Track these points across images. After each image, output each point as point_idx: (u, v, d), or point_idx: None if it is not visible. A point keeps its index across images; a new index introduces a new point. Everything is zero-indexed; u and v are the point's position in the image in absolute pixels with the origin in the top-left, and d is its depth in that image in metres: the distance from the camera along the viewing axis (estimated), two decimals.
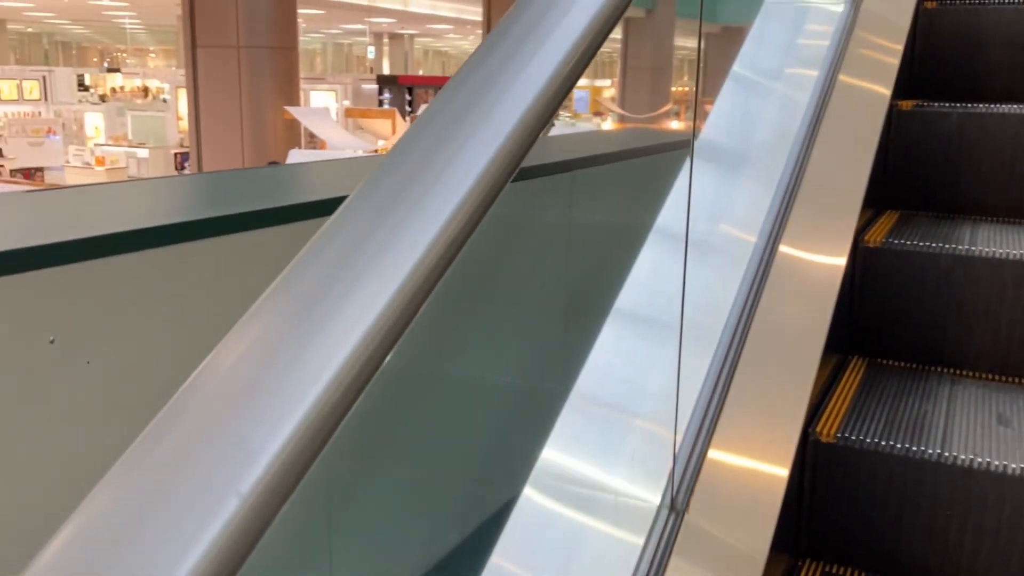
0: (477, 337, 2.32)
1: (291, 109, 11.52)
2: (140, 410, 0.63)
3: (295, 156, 9.15)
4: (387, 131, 13.55)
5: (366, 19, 23.78)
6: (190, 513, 0.42)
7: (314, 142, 12.45)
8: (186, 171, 14.16)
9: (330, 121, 13.32)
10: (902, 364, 1.70)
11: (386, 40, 33.94)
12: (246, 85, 11.54)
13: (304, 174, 2.74)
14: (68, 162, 18.26)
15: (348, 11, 21.79)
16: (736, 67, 1.83)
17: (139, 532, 0.41)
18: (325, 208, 1.71)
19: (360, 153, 12.27)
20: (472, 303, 2.17)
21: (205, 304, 1.57)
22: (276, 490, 0.44)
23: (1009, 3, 2.26)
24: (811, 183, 1.57)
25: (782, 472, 1.17)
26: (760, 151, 1.75)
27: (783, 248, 1.43)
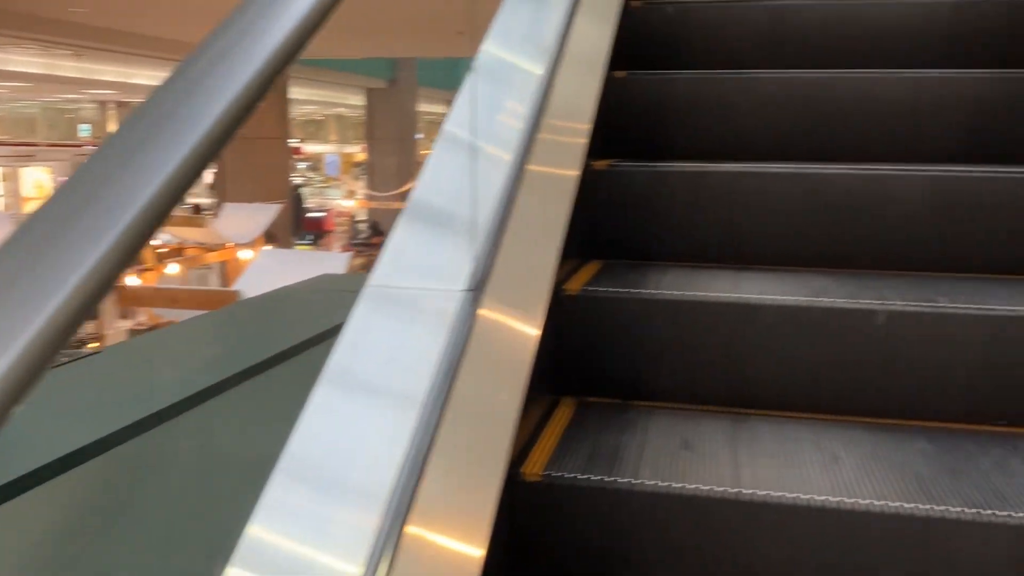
0: None
1: None
2: None
3: None
4: None
5: (84, 90, 22.34)
6: None
7: None
8: None
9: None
10: (606, 400, 1.82)
11: (112, 107, 32.03)
12: None
13: None
14: None
15: (63, 83, 20.37)
16: (447, 126, 1.90)
17: None
18: None
19: None
20: None
21: None
22: None
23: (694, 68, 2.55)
24: (512, 235, 1.65)
25: (487, 513, 1.20)
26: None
27: (487, 303, 1.49)
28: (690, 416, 1.75)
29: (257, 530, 1.11)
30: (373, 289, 1.37)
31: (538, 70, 2.07)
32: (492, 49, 2.06)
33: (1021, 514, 1.32)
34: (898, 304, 1.71)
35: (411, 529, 1.10)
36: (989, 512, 1.33)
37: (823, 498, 1.36)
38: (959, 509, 1.33)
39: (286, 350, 2.67)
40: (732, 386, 1.80)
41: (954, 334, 1.68)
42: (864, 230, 2.08)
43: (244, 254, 14.50)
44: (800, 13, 2.82)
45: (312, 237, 23.27)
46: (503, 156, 1.78)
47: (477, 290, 1.40)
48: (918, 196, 2.05)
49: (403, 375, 1.30)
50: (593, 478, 1.40)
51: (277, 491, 1.15)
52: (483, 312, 1.43)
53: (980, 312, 1.67)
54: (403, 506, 1.12)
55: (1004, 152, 2.37)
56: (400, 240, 1.47)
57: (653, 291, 1.81)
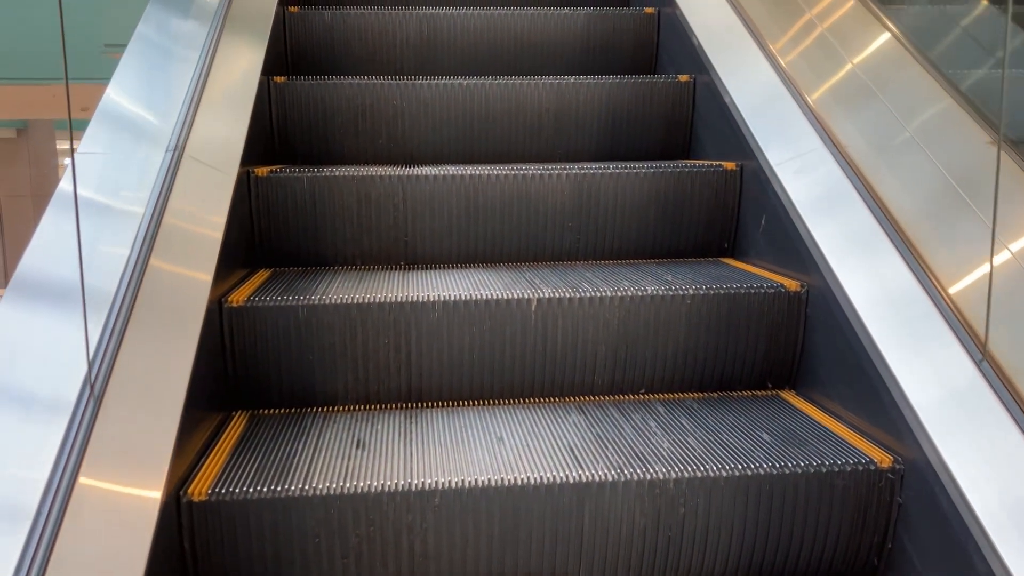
0: None
1: None
2: None
3: None
4: None
5: None
6: None
7: None
8: None
9: None
10: (281, 411, 1.80)
11: None
12: None
13: None
14: None
15: None
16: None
17: None
18: None
19: None
20: None
21: None
22: None
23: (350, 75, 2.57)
24: (166, 244, 1.58)
25: (144, 538, 1.14)
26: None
27: (139, 314, 1.41)
28: (366, 416, 1.78)
29: None
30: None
31: (182, 86, 1.99)
32: (126, 80, 1.94)
33: (654, 470, 1.49)
34: (548, 292, 1.86)
35: (60, 553, 1.03)
36: (629, 471, 1.49)
37: (486, 477, 1.45)
38: (604, 472, 1.48)
39: None
40: (406, 382, 1.85)
41: (596, 315, 1.86)
42: (517, 226, 2.23)
43: None
44: (454, 21, 2.96)
45: None
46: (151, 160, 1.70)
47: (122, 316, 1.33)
48: (562, 193, 2.24)
49: (50, 386, 1.22)
50: (263, 490, 1.38)
51: None
52: (131, 334, 1.36)
53: (615, 294, 1.86)
54: (51, 533, 1.04)
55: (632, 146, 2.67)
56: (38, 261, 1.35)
57: (322, 296, 1.82)
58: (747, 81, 2.35)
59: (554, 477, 1.47)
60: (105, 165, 1.68)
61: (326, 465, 1.49)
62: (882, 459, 1.51)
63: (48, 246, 1.39)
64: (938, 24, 2.32)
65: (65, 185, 1.46)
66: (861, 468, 1.51)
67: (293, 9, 2.92)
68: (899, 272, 1.63)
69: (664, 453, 1.56)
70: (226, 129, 2.05)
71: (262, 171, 2.16)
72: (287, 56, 2.94)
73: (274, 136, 2.58)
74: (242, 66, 2.32)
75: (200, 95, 1.99)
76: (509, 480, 1.45)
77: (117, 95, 1.87)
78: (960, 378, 1.43)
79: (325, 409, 1.82)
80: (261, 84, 2.36)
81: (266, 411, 1.80)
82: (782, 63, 2.26)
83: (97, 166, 1.67)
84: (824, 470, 1.51)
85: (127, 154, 1.71)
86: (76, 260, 1.25)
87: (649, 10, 3.03)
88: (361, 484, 1.41)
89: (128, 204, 1.54)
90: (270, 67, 2.55)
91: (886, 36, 2.08)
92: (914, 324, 1.56)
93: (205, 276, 1.63)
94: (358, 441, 1.62)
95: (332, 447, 1.59)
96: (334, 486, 1.40)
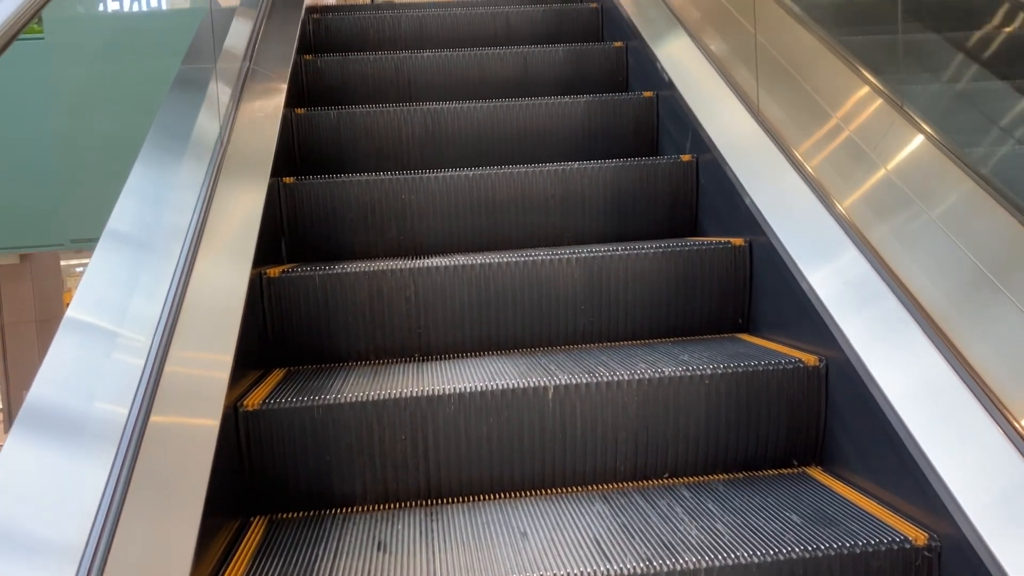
0: None
1: None
2: None
3: None
4: None
5: None
6: None
7: None
8: None
9: None
10: (299, 514, 1.77)
11: None
12: None
13: None
14: None
15: None
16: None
17: None
18: None
19: None
20: None
21: None
22: None
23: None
24: (179, 352, 1.58)
25: None
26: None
27: (154, 424, 1.40)
28: (386, 516, 1.75)
29: None
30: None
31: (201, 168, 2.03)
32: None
33: (683, 560, 1.45)
34: (564, 378, 1.85)
35: None
36: (658, 563, 1.45)
37: None
38: (632, 565, 1.44)
39: None
40: (424, 478, 1.83)
41: (614, 400, 1.84)
42: (529, 312, 2.23)
43: None
44: (458, 115, 3.02)
45: None
46: (163, 269, 1.71)
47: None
48: (572, 277, 2.24)
49: (60, 518, 1.19)
50: None
51: None
52: (146, 451, 1.34)
53: (633, 377, 1.84)
54: None
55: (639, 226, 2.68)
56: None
57: (337, 395, 1.81)
58: (749, 156, 2.38)
59: (581, 573, 1.43)
60: (117, 286, 1.68)
61: (348, 571, 1.46)
62: (917, 536, 1.47)
63: (58, 378, 1.38)
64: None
65: (73, 313, 1.47)
66: (896, 547, 1.47)
67: (300, 111, 2.99)
68: (922, 346, 1.62)
69: (692, 541, 1.52)
70: (237, 232, 2.07)
71: (274, 272, 2.18)
72: (295, 156, 3.00)
73: (284, 235, 2.61)
74: (251, 169, 2.36)
75: (210, 198, 2.02)
76: None
77: (125, 211, 1.88)
78: (994, 453, 1.40)
79: (344, 510, 1.79)
80: (271, 186, 2.40)
81: (285, 515, 1.78)
82: (783, 136, 2.28)
83: (109, 286, 1.68)
84: (858, 551, 1.47)
85: (136, 272, 1.72)
86: (86, 392, 1.25)
87: (647, 94, 3.08)
88: None
89: (138, 322, 1.54)
90: (279, 168, 2.60)
91: (874, 96, 2.10)
92: (943, 397, 1.53)
93: (220, 382, 1.62)
94: (379, 543, 1.59)
95: (353, 551, 1.56)
96: None
